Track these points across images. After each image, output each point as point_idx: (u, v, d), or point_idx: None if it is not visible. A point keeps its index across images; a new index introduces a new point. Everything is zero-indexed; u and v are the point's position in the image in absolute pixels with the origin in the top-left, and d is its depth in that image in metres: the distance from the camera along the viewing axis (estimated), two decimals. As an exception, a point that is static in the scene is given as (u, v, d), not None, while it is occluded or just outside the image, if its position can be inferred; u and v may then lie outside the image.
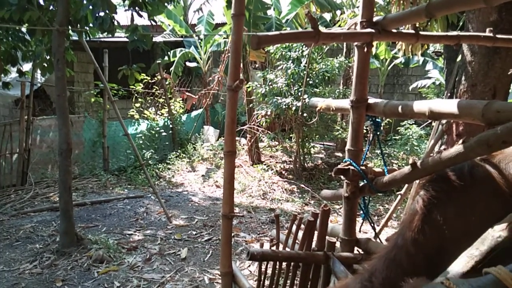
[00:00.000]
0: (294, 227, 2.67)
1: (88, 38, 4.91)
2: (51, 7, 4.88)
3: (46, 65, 5.05)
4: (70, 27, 4.61)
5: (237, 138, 9.96)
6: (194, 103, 11.10)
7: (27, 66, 8.23)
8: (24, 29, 6.26)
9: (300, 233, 2.57)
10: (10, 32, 6.49)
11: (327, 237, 2.50)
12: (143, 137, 8.74)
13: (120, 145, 8.56)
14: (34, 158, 7.17)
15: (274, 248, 2.77)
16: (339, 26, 7.71)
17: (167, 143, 9.49)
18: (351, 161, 2.33)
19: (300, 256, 2.47)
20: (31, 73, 7.19)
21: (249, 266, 4.30)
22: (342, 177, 2.37)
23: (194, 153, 9.46)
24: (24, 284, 3.79)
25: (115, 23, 4.23)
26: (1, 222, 5.35)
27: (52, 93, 10.59)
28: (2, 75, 7.57)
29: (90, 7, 4.11)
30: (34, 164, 7.18)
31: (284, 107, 7.05)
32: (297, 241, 2.64)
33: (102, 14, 4.08)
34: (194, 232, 5.24)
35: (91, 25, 4.49)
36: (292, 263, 2.56)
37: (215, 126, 11.28)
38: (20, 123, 6.83)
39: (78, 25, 4.46)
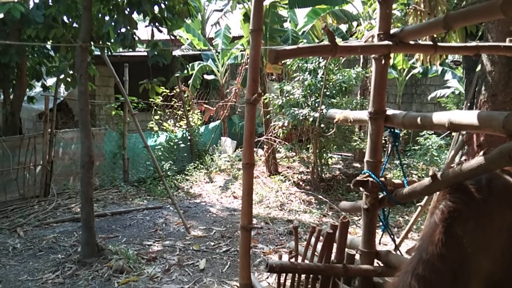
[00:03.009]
0: (313, 239, 2.67)
1: (109, 53, 5.05)
2: (75, 24, 5.07)
3: (69, 80, 5.22)
4: (92, 43, 4.76)
5: (254, 149, 10.04)
6: (211, 114, 11.22)
7: (51, 81, 8.51)
8: (48, 46, 6.51)
9: (319, 245, 2.57)
10: (36, 48, 6.76)
11: (346, 249, 2.49)
12: (162, 149, 8.87)
13: (139, 156, 8.70)
14: (57, 170, 7.35)
15: (293, 260, 2.77)
16: (356, 37, 7.72)
17: (185, 154, 9.60)
18: (370, 173, 2.33)
19: (319, 268, 2.47)
20: (54, 88, 7.40)
21: (267, 278, 4.28)
22: (361, 188, 2.36)
23: (212, 164, 9.53)
24: (47, 293, 3.87)
25: (136, 38, 4.35)
26: (25, 233, 5.49)
27: (75, 107, 10.88)
28: (27, 90, 7.85)
29: (112, 23, 4.24)
30: (57, 176, 7.35)
31: (301, 118, 7.07)
32: (316, 253, 2.64)
33: (123, 30, 4.21)
34: (212, 243, 5.26)
35: (112, 40, 4.62)
36: (311, 275, 2.55)
37: (232, 137, 11.36)
38: (43, 136, 7.02)
39: (101, 41, 4.60)
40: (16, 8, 4.69)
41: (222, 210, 6.86)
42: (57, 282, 4.10)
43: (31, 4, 5.56)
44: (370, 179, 2.31)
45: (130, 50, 4.68)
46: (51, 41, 4.98)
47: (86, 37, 4.16)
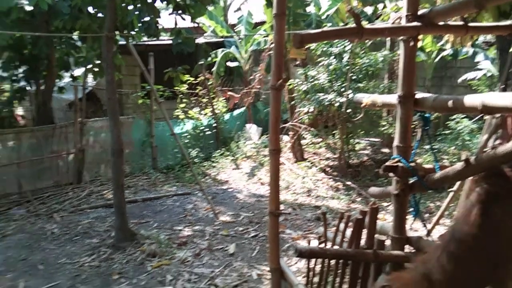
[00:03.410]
0: (341, 225, 2.67)
1: (134, 42, 5.12)
2: (100, 14, 5.15)
3: (96, 69, 5.33)
4: (117, 33, 4.83)
5: (280, 135, 10.01)
6: (236, 102, 11.25)
7: (79, 71, 8.72)
8: (75, 36, 6.65)
9: (348, 231, 2.57)
10: (63, 40, 6.91)
11: (376, 235, 2.48)
12: (188, 136, 9.00)
13: (167, 144, 8.85)
14: (88, 157, 7.58)
15: (322, 245, 2.78)
16: (382, 20, 7.52)
17: (211, 141, 9.70)
18: (400, 158, 2.30)
19: (348, 254, 2.47)
20: (83, 78, 7.58)
21: (296, 263, 4.32)
22: (391, 174, 2.34)
23: (238, 151, 9.60)
24: (84, 276, 4.04)
25: (159, 27, 4.38)
26: (62, 218, 5.73)
27: (103, 96, 11.12)
28: (57, 80, 8.08)
29: (136, 12, 4.29)
30: (89, 164, 7.59)
31: (326, 103, 6.99)
32: (345, 239, 2.64)
33: (147, 19, 4.25)
34: (240, 228, 5.34)
35: (136, 29, 4.68)
36: (340, 261, 2.56)
37: (257, 124, 11.36)
38: (74, 125, 7.23)
39: (125, 30, 4.67)
40: (43, 0, 4.80)
41: (249, 196, 6.93)
42: (94, 265, 4.27)
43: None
44: (400, 164, 2.27)
45: (154, 38, 4.72)
46: (77, 31, 5.08)
47: (111, 26, 4.23)
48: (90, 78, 8.23)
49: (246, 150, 9.65)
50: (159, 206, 6.32)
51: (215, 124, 9.81)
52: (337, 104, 6.87)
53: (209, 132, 9.50)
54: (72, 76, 7.86)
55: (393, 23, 2.92)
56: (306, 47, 8.43)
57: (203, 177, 8.11)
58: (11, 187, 6.28)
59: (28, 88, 7.95)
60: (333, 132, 8.69)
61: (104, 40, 4.31)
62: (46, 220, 5.68)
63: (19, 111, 12.27)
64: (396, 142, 2.39)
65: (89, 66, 5.77)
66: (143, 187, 7.43)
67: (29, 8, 5.56)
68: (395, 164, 2.27)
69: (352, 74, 7.24)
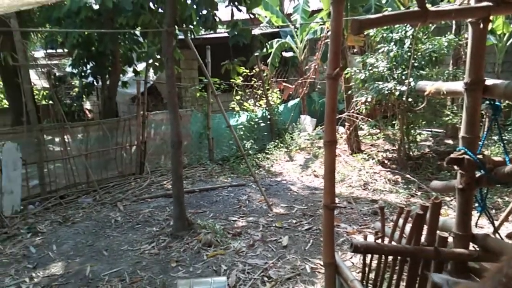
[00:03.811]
0: (400, 220, 2.55)
1: (192, 36, 5.23)
2: (160, 10, 5.33)
3: (157, 64, 5.53)
4: (176, 27, 4.97)
5: (336, 126, 9.79)
6: (290, 93, 11.16)
7: (141, 66, 9.12)
8: (137, 32, 6.94)
9: (408, 227, 2.44)
10: (127, 36, 7.26)
11: (438, 231, 2.34)
12: (243, 128, 9.10)
13: (223, 136, 9.02)
14: (150, 149, 7.94)
15: (379, 241, 2.67)
16: (448, 1, 7.02)
17: (265, 133, 9.73)
18: (466, 150, 2.13)
19: (407, 251, 2.36)
20: (144, 72, 7.92)
21: (351, 257, 4.21)
22: (455, 167, 2.18)
23: (292, 142, 9.54)
24: (144, 262, 4.24)
25: (217, 19, 4.43)
26: (125, 207, 6.06)
27: (163, 90, 11.57)
28: (121, 75, 8.52)
29: (194, 6, 4.36)
30: (150, 155, 7.95)
31: (386, 92, 6.69)
32: (404, 235, 2.52)
33: (204, 12, 4.30)
34: (294, 221, 5.31)
35: (194, 23, 4.77)
36: (399, 258, 2.45)
37: (312, 115, 11.20)
38: (137, 118, 7.58)
39: (184, 24, 4.78)
40: (108, -2, 5.06)
41: (303, 189, 6.87)
42: (153, 252, 4.47)
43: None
44: (466, 156, 2.11)
45: (212, 31, 4.79)
46: (139, 27, 5.29)
47: (171, 21, 4.34)
48: (151, 73, 8.59)
49: (300, 141, 9.56)
50: (215, 197, 6.46)
51: (269, 116, 9.81)
52: (397, 93, 6.55)
53: (263, 124, 9.53)
54: (135, 71, 8.24)
55: (460, 4, 2.69)
56: (364, 33, 8.13)
57: (257, 168, 8.16)
58: (80, 177, 6.73)
59: (95, 83, 8.47)
60: (393, 122, 8.33)
61: (164, 35, 4.44)
62: (111, 208, 6.03)
63: (87, 105, 13.15)
64: (462, 133, 2.22)
65: (150, 61, 6.00)
66: (200, 178, 7.63)
67: (95, 6, 5.90)
68: (461, 156, 2.11)
69: (414, 60, 6.85)
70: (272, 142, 9.47)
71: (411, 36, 6.70)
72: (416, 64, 6.87)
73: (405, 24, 6.66)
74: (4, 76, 10.52)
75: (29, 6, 4.31)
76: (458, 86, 2.31)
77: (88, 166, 6.69)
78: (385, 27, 7.03)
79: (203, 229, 4.90)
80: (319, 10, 10.98)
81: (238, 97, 9.69)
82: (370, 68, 7.24)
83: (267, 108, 9.80)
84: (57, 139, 6.77)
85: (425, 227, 2.43)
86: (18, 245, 4.78)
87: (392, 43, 6.97)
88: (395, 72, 6.89)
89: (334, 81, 2.03)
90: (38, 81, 8.75)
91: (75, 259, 4.39)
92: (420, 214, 2.33)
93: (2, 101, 14.72)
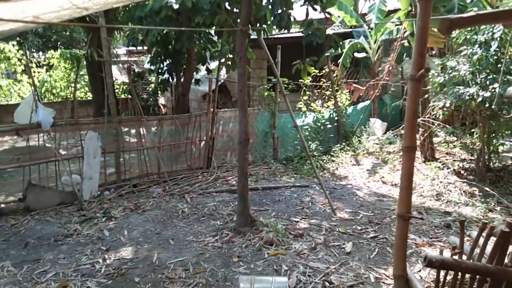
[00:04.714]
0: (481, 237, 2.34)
1: (265, 36, 5.26)
2: (235, 10, 5.43)
3: (229, 63, 5.65)
4: (250, 26, 5.03)
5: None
6: (361, 94, 10.83)
7: (213, 65, 9.41)
8: (212, 31, 7.17)
9: (490, 245, 2.24)
10: (202, 35, 7.54)
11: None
12: (309, 129, 9.00)
13: (288, 136, 9.00)
14: (217, 145, 8.15)
15: (456, 257, 2.48)
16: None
17: (331, 135, 9.54)
18: None
19: (489, 270, 2.16)
20: (217, 71, 8.16)
21: (419, 271, 3.98)
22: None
23: (359, 146, 9.25)
24: (208, 255, 4.35)
25: (291, 19, 4.41)
26: (191, 199, 6.28)
27: (232, 88, 11.84)
28: (194, 73, 8.86)
29: (270, 6, 4.38)
30: (217, 151, 8.17)
31: (467, 98, 6.21)
32: (485, 254, 2.31)
33: (279, 11, 4.31)
34: (359, 227, 5.14)
35: (269, 23, 4.79)
36: (477, 277, 2.25)
37: (382, 118, 10.77)
38: (207, 115, 7.82)
39: (258, 24, 4.82)
40: (188, -2, 5.27)
41: (369, 195, 6.62)
42: (216, 246, 4.57)
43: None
44: None
45: (285, 31, 4.79)
46: (215, 26, 5.44)
47: (246, 21, 4.41)
48: (223, 71, 8.82)
49: (368, 145, 9.23)
50: (278, 196, 6.46)
51: (336, 118, 9.60)
52: (479, 99, 6.06)
53: (330, 126, 9.35)
54: (207, 69, 8.52)
55: None
56: (445, 35, 7.63)
57: (321, 170, 8.03)
58: (152, 167, 7.10)
59: (170, 80, 8.89)
60: (472, 130, 7.74)
61: (239, 34, 4.52)
62: (179, 199, 6.28)
63: (161, 100, 13.86)
64: None
65: (223, 60, 6.16)
66: (264, 176, 7.68)
67: (175, 6, 6.18)
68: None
69: (500, 65, 6.28)
70: (338, 145, 9.26)
71: (498, 38, 6.16)
72: (504, 69, 6.30)
73: (493, 25, 6.13)
74: (90, 70, 11.46)
75: (120, 3, 4.61)
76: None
77: (160, 158, 7.03)
78: (469, 28, 6.54)
79: (265, 227, 4.91)
80: (396, 10, 10.51)
81: (305, 97, 9.60)
82: (450, 71, 6.77)
83: (335, 110, 9.60)
84: (133, 131, 7.21)
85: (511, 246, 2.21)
86: (94, 228, 5.16)
87: (477, 46, 6.46)
88: (478, 76, 6.38)
89: (417, 83, 1.91)
90: (119, 76, 9.38)
91: (144, 245, 4.62)
92: (506, 232, 2.12)
93: (87, 94, 16.05)
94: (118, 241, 4.74)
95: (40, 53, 19.18)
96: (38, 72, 15.95)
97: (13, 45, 14.38)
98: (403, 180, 2.00)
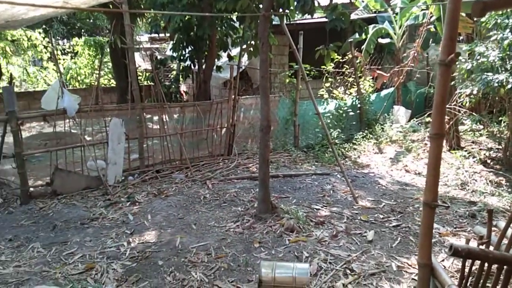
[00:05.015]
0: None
1: (288, 21, 5.20)
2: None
3: (251, 49, 5.61)
4: (272, 12, 4.98)
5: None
6: (384, 81, 10.59)
7: (234, 51, 9.38)
8: (234, 17, 7.12)
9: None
10: (224, 21, 7.50)
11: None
12: (330, 116, 8.90)
13: (309, 123, 8.94)
14: (238, 132, 8.17)
15: (482, 247, 2.43)
16: None
17: (354, 123, 9.42)
18: None
19: (517, 261, 2.11)
20: (238, 57, 8.13)
21: (443, 260, 3.93)
22: None
23: (382, 134, 9.11)
24: (229, 240, 4.40)
25: (315, 3, 4.33)
26: (213, 185, 6.34)
27: (253, 75, 11.80)
28: (216, 60, 8.86)
29: (293, -10, 4.32)
30: (237, 138, 8.19)
31: (495, 85, 6.01)
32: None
33: (303, -4, 4.24)
34: (381, 216, 5.09)
35: (291, 8, 4.72)
36: (505, 267, 2.20)
37: (406, 106, 10.54)
38: (228, 102, 7.83)
39: (280, 9, 4.76)
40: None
41: (392, 183, 6.54)
42: (237, 231, 4.62)
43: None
44: None
45: (309, 16, 4.70)
46: (237, 12, 5.40)
47: (269, 6, 4.35)
48: (244, 58, 8.79)
49: (391, 133, 9.08)
50: (298, 183, 6.45)
51: (359, 105, 9.46)
52: (509, 86, 5.85)
53: (352, 113, 9.22)
54: (229, 55, 8.49)
55: None
56: (474, 19, 7.37)
57: (342, 158, 7.96)
58: (174, 154, 7.19)
59: (191, 67, 8.92)
60: (500, 118, 7.50)
61: (261, 19, 4.48)
62: (200, 185, 6.36)
63: (182, 87, 13.94)
64: None
65: (244, 46, 6.13)
66: (284, 164, 7.67)
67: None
68: None
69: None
70: (361, 132, 9.14)
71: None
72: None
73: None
74: (113, 57, 11.61)
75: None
76: None
77: (182, 144, 7.11)
78: (499, 12, 6.28)
79: (286, 214, 4.93)
80: (422, -6, 10.18)
81: (328, 84, 9.48)
82: (478, 57, 6.55)
83: (357, 97, 9.45)
84: (155, 118, 7.29)
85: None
86: (119, 212, 5.29)
87: (508, 30, 6.21)
88: (508, 62, 6.15)
89: (447, 68, 1.85)
90: (141, 63, 9.48)
91: (167, 229, 4.72)
92: (537, 222, 2.06)
93: (110, 81, 16.31)
94: (142, 225, 4.85)
95: (65, 40, 19.57)
96: (63, 59, 16.31)
97: (39, 32, 14.70)
98: (430, 168, 1.96)
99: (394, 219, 4.99)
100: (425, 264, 2.06)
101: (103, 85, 15.40)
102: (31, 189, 5.85)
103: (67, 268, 3.84)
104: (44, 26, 15.63)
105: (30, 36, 14.31)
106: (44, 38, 14.67)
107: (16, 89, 11.81)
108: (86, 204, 5.55)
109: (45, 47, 14.79)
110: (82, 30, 19.83)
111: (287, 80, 9.21)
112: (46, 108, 6.28)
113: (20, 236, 4.56)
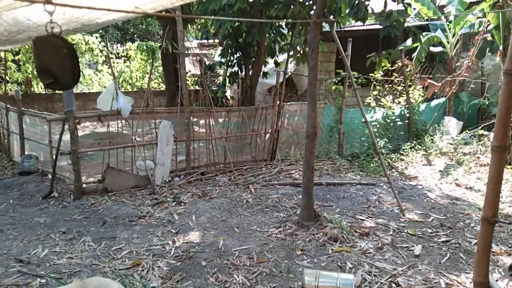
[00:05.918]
0: None
1: (338, 28, 5.16)
2: (308, 2, 5.38)
3: (299, 55, 5.61)
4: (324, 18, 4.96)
5: (485, 132, 8.65)
6: (436, 91, 10.21)
7: (281, 58, 9.42)
8: (283, 24, 7.16)
9: None
10: (273, 28, 7.57)
11: None
12: (377, 125, 8.70)
13: (354, 132, 8.78)
14: (282, 138, 8.18)
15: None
16: None
17: (401, 133, 9.15)
18: None
19: None
20: (285, 64, 8.16)
21: (497, 280, 3.70)
22: None
23: (432, 145, 8.77)
24: (271, 245, 4.40)
25: (369, 10, 4.28)
26: (255, 190, 6.37)
27: (298, 82, 11.78)
28: (263, 66, 8.94)
29: (347, -3, 4.28)
30: (281, 144, 8.20)
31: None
32: None
33: (357, 2, 4.19)
34: (429, 230, 4.89)
35: (343, 15, 4.68)
36: None
37: (458, 117, 10.09)
38: (273, 108, 7.87)
39: (331, 16, 4.74)
40: (262, -10, 5.31)
41: (441, 197, 6.27)
42: (280, 237, 4.60)
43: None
44: None
45: (358, 23, 4.65)
46: (286, 19, 5.43)
47: (320, 12, 4.34)
48: (289, 65, 8.81)
49: (441, 145, 8.72)
50: (342, 193, 6.34)
51: (408, 115, 9.18)
52: None
53: (400, 123, 8.95)
54: (276, 62, 8.54)
55: None
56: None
57: (389, 169, 7.73)
58: (219, 157, 7.31)
59: (239, 72, 9.05)
60: None
61: (312, 26, 4.47)
62: (243, 189, 6.41)
63: (228, 92, 14.18)
64: None
65: (292, 53, 6.16)
66: (328, 172, 7.58)
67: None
68: None
69: None
70: (409, 143, 8.85)
71: None
72: None
73: None
74: (164, 62, 12.03)
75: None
76: None
77: (226, 148, 7.22)
78: None
79: (329, 223, 4.86)
80: (478, 2, 9.75)
81: (375, 92, 9.27)
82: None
83: (406, 106, 9.17)
84: (202, 121, 7.46)
85: None
86: (165, 211, 5.44)
87: None
88: None
89: (511, 78, 1.77)
90: (191, 68, 9.74)
91: (210, 231, 4.79)
92: None
93: (160, 84, 16.90)
94: (187, 225, 4.96)
95: (119, 45, 20.53)
96: (117, 63, 17.10)
97: (96, 37, 15.53)
98: (491, 182, 1.87)
99: (443, 234, 4.78)
100: (481, 283, 1.96)
101: (153, 89, 15.98)
102: (84, 185, 6.17)
103: (115, 262, 3.99)
104: (100, 31, 16.50)
105: (88, 41, 15.14)
106: (100, 43, 15.47)
107: (73, 90, 12.50)
108: (135, 202, 5.76)
109: (101, 51, 15.59)
110: (135, 35, 20.74)
111: (334, 87, 9.11)
112: (101, 108, 6.61)
113: (73, 230, 4.81)
